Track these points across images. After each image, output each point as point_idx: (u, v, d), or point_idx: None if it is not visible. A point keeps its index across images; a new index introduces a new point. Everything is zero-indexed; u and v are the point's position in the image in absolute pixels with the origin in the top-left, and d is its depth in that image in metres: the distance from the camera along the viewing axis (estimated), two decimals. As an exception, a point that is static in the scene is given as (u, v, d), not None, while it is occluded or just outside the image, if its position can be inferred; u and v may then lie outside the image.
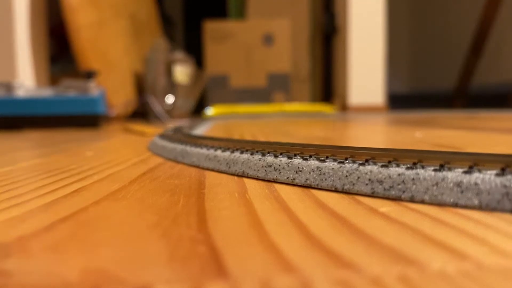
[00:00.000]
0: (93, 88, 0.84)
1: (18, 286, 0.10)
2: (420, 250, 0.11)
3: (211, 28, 1.63)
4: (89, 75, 0.84)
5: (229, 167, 0.25)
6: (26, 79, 1.21)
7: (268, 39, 1.62)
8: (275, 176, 0.22)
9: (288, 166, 0.21)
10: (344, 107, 1.70)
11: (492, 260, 0.11)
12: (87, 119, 0.84)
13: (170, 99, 1.32)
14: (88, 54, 1.16)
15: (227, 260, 0.11)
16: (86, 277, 0.10)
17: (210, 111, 1.43)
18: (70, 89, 0.84)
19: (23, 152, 0.39)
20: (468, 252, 0.11)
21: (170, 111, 1.29)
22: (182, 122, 0.87)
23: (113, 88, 1.20)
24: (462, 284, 0.09)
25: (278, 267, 0.10)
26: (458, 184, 0.16)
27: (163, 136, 0.40)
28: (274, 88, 1.62)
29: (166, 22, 2.27)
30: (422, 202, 0.16)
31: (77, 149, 0.40)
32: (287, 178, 0.21)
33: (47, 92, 0.85)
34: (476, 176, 0.16)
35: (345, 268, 0.10)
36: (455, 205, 0.16)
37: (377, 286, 0.09)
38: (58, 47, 1.54)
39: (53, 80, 1.37)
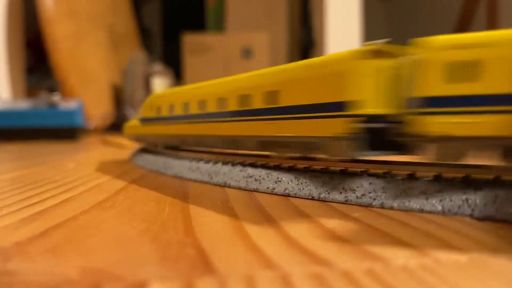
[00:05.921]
0: (58, 101, 0.84)
1: (23, 284, 0.11)
2: (387, 249, 0.13)
3: (190, 40, 1.64)
4: (52, 88, 0.83)
5: (212, 178, 0.26)
6: (2, 91, 1.19)
7: (247, 52, 1.64)
8: (255, 186, 0.23)
9: (268, 176, 0.23)
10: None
11: (448, 256, 0.12)
12: (65, 132, 0.83)
13: (148, 111, 1.32)
14: (66, 66, 1.16)
15: (214, 259, 0.12)
16: (86, 276, 0.11)
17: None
18: (47, 102, 0.84)
19: (4, 164, 0.39)
20: (429, 250, 0.12)
21: (149, 124, 1.28)
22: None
23: (91, 100, 1.20)
24: (421, 276, 0.11)
25: (260, 264, 0.12)
26: (424, 192, 0.18)
27: (144, 149, 0.41)
28: (253, 101, 1.64)
29: (145, 34, 2.27)
30: (391, 208, 0.18)
31: (58, 161, 0.40)
32: (267, 188, 0.22)
33: (24, 104, 0.84)
34: (440, 185, 0.17)
35: (319, 264, 0.11)
36: (421, 211, 0.17)
37: (347, 278, 0.11)
38: (35, 59, 1.53)
39: (30, 92, 1.35)
